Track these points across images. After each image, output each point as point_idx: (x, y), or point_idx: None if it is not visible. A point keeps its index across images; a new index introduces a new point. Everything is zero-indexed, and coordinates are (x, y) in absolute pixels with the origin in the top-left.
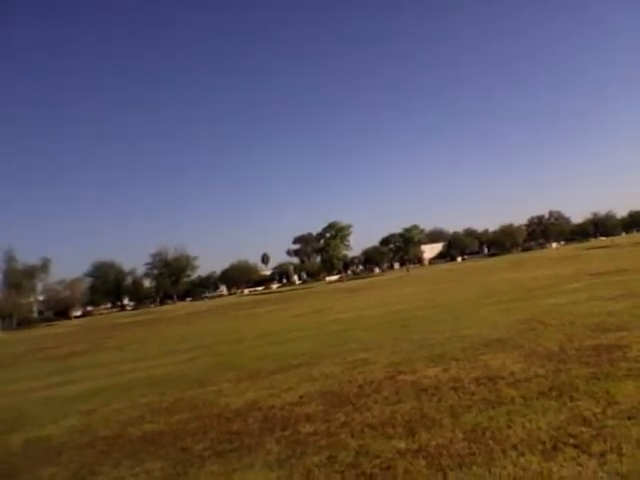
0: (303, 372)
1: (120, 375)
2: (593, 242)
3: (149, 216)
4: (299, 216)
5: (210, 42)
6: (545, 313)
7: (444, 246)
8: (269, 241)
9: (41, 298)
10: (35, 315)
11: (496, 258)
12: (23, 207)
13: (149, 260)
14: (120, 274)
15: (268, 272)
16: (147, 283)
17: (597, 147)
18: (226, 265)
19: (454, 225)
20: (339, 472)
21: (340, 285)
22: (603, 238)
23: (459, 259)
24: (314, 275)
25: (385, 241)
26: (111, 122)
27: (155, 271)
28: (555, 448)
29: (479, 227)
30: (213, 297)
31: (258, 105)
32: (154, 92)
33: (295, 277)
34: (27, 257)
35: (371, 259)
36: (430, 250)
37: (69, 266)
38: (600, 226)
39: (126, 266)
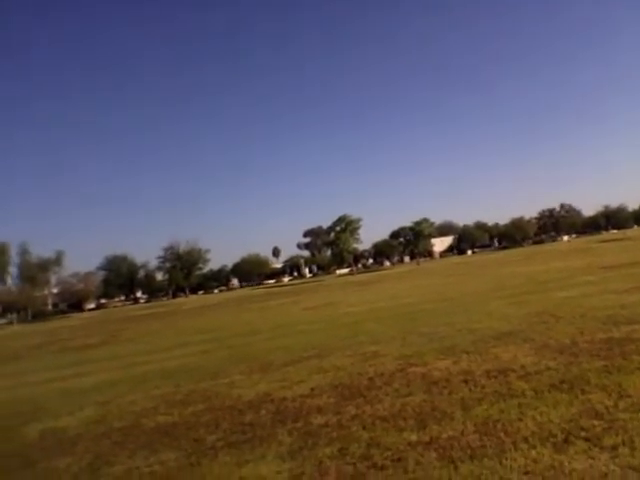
0: (314, 364)
1: (134, 367)
2: (605, 235)
3: (162, 210)
4: (310, 209)
5: (222, 39)
6: (557, 306)
7: (454, 239)
8: (280, 234)
9: (55, 291)
10: (49, 308)
11: (507, 251)
12: (38, 201)
13: (161, 253)
14: (133, 267)
15: (279, 265)
16: (159, 276)
17: (609, 139)
18: (237, 258)
19: (464, 218)
20: (350, 464)
21: (350, 278)
22: (615, 231)
23: (469, 252)
24: (324, 268)
25: (395, 234)
26: (124, 116)
27: (167, 264)
28: (566, 441)
29: (489, 220)
30: (230, 289)
31: (268, 98)
32: (168, 85)
33: (306, 270)
34: (41, 250)
35: (381, 252)
36: (440, 243)
37: (83, 259)
38: (612, 219)
39: (139, 259)
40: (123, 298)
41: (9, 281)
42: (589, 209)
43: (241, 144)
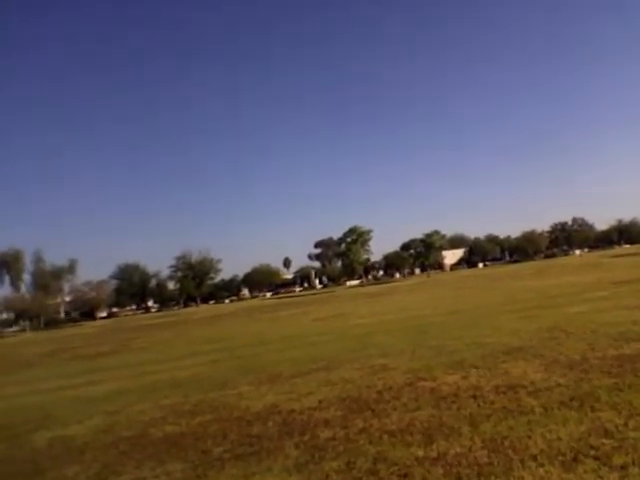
0: (323, 376)
1: (145, 376)
2: (617, 249)
3: (174, 219)
4: (321, 220)
5: (230, 39)
6: (568, 321)
7: (465, 252)
8: (291, 245)
9: (68, 299)
10: (62, 315)
11: (518, 265)
12: (52, 209)
13: (173, 263)
14: (145, 276)
15: (290, 276)
16: (171, 285)
17: (622, 153)
18: (249, 269)
19: (475, 231)
20: (357, 478)
21: (361, 290)
22: (628, 246)
23: (480, 265)
24: (335, 279)
25: (406, 246)
26: (138, 124)
27: (179, 273)
28: (575, 459)
29: (501, 233)
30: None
31: (279, 105)
32: (178, 95)
33: (316, 281)
34: (54, 258)
35: (392, 264)
36: (451, 256)
37: (95, 268)
38: (625, 233)
39: (151, 268)
40: (134, 307)
41: (23, 288)
42: (602, 223)
43: (253, 153)
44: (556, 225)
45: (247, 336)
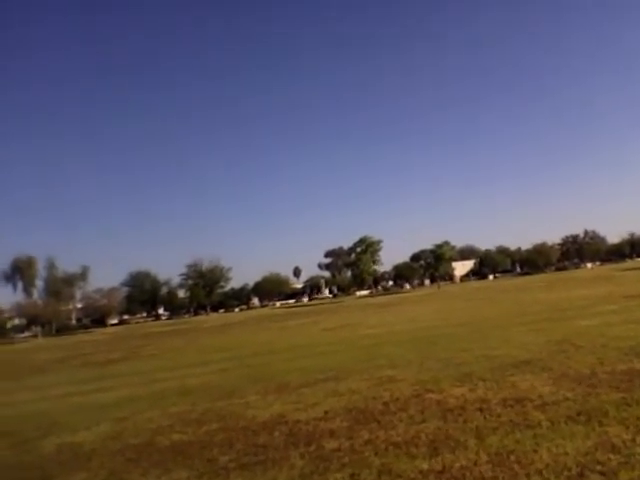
0: (330, 387)
1: (154, 383)
2: (630, 263)
3: (185, 227)
4: (331, 229)
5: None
6: (577, 335)
7: (475, 263)
8: (301, 254)
9: (79, 306)
10: (73, 322)
11: (529, 277)
12: (65, 217)
13: (184, 271)
14: (156, 284)
15: (299, 285)
16: (182, 293)
17: (634, 165)
18: (259, 277)
19: (486, 242)
20: None
21: (370, 300)
22: None
23: (491, 277)
24: (345, 289)
25: (416, 257)
26: (146, 130)
27: (190, 282)
28: (581, 475)
29: (512, 245)
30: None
31: (289, 114)
32: (185, 102)
33: (326, 291)
34: (66, 264)
35: (401, 275)
36: (461, 267)
37: (107, 275)
38: (637, 246)
39: (162, 276)
40: (145, 314)
41: (35, 295)
42: (614, 236)
43: (265, 163)
44: (567, 237)
45: (256, 345)
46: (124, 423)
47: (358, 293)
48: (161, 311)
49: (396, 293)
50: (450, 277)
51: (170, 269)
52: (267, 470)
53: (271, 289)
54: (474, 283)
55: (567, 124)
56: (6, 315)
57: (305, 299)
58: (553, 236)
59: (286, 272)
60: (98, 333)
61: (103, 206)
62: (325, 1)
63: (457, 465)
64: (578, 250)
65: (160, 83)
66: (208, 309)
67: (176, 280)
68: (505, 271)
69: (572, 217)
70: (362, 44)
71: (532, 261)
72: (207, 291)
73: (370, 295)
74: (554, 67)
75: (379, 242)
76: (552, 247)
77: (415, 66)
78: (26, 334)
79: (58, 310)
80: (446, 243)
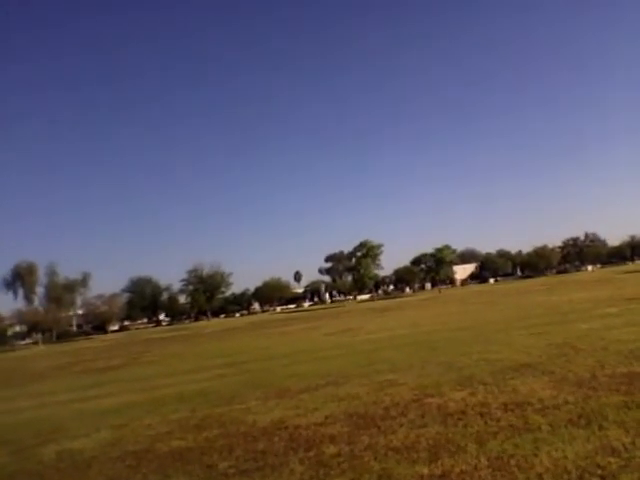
0: (330, 392)
1: (154, 390)
2: (630, 266)
3: (185, 233)
4: (331, 234)
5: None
6: (578, 338)
7: (476, 267)
8: (302, 259)
9: (80, 312)
10: (74, 329)
11: (530, 280)
12: (67, 224)
13: (185, 276)
14: (156, 290)
15: (300, 290)
16: (182, 299)
17: (636, 168)
18: (259, 282)
19: (486, 246)
20: None
21: (371, 304)
22: None
23: (492, 280)
24: (345, 294)
25: (416, 261)
26: (150, 136)
27: (190, 287)
28: (581, 478)
29: (512, 248)
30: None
31: (291, 118)
32: (191, 116)
33: (326, 295)
34: (68, 271)
35: (402, 279)
36: (462, 271)
37: (108, 281)
38: (638, 249)
39: (162, 282)
40: (146, 320)
41: (36, 301)
42: (614, 239)
43: (263, 168)
44: (568, 240)
45: (257, 350)
46: (124, 430)
47: (359, 297)
48: (162, 317)
49: (397, 297)
50: (451, 281)
51: (171, 275)
52: (267, 476)
53: (272, 294)
54: (475, 287)
55: (568, 126)
56: (7, 322)
57: (306, 304)
58: (554, 239)
59: (287, 277)
60: (99, 339)
61: (104, 212)
62: (323, 5)
63: (457, 470)
64: (579, 253)
65: (160, 88)
66: (209, 314)
67: (177, 286)
68: (506, 274)
69: (573, 220)
70: (364, 46)
71: (533, 264)
72: (208, 296)
73: (371, 299)
74: (555, 69)
75: (380, 246)
76: (553, 250)
77: (415, 68)
78: (27, 341)
79: (59, 317)
80: (447, 247)
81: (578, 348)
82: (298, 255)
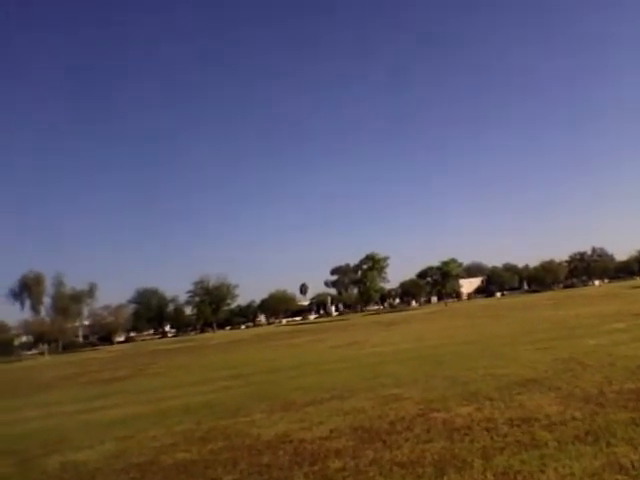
0: (335, 405)
1: (159, 401)
2: (638, 280)
3: (192, 245)
4: (337, 247)
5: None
6: (585, 354)
7: (483, 281)
8: (307, 271)
9: (86, 323)
10: (80, 339)
11: (536, 295)
12: (74, 235)
13: (190, 288)
14: (163, 301)
15: (306, 302)
16: (188, 311)
17: None
18: (265, 295)
19: (493, 259)
20: None
21: (377, 317)
22: None
23: (498, 294)
24: (351, 307)
25: (422, 274)
26: (157, 147)
27: (196, 299)
28: None
29: (519, 262)
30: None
31: (295, 133)
32: (199, 125)
33: (332, 308)
34: (75, 282)
35: (408, 292)
36: (468, 284)
37: (114, 292)
38: None
39: (168, 293)
40: (152, 332)
41: (42, 312)
42: (622, 254)
43: (269, 181)
44: (575, 255)
45: (262, 363)
46: (128, 441)
47: (365, 310)
48: (168, 328)
49: (403, 310)
50: (457, 294)
51: (177, 286)
52: None
53: (277, 306)
54: (481, 300)
55: (576, 140)
56: (13, 332)
57: (312, 316)
58: (561, 253)
59: (293, 289)
60: (105, 350)
61: (111, 222)
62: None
63: None
64: (586, 267)
65: (167, 98)
66: (214, 326)
67: (183, 297)
68: (512, 288)
69: (580, 234)
70: (365, 58)
71: (540, 279)
72: (213, 308)
73: (376, 312)
74: (564, 79)
75: (385, 259)
76: (560, 264)
77: (420, 82)
78: (33, 351)
79: (65, 327)
80: (453, 260)
81: (585, 364)
82: (304, 267)
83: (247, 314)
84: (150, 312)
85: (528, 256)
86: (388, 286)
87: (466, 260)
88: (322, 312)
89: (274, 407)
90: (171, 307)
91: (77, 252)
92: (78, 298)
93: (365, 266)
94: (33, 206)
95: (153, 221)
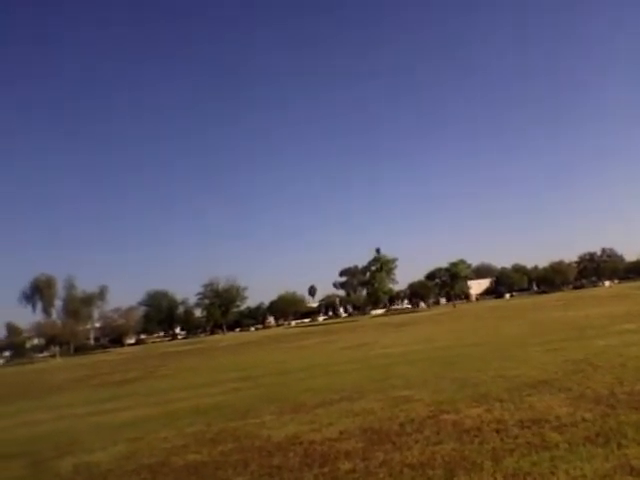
0: (345, 407)
1: (170, 403)
2: None
3: (201, 247)
4: (346, 248)
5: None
6: (595, 354)
7: (492, 282)
8: (316, 273)
9: (97, 325)
10: (91, 342)
11: (546, 296)
12: (86, 239)
13: (200, 290)
14: (173, 303)
15: (315, 304)
16: (198, 313)
17: None
18: (274, 296)
19: (502, 261)
20: None
21: (385, 319)
22: None
23: (507, 296)
24: (360, 308)
25: (431, 275)
26: (161, 150)
27: (206, 301)
28: None
29: (528, 263)
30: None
31: (305, 134)
32: (207, 126)
33: (341, 310)
34: (86, 284)
35: (417, 293)
36: (477, 286)
37: (125, 294)
38: None
39: (178, 295)
40: (162, 334)
41: (54, 314)
42: (631, 254)
43: (279, 182)
44: (585, 256)
45: (272, 364)
46: (139, 443)
47: (373, 312)
48: (178, 330)
49: (411, 312)
50: (466, 296)
51: (186, 288)
52: None
53: (287, 308)
54: (490, 302)
55: (585, 140)
56: (25, 335)
57: (321, 318)
58: (570, 254)
59: (302, 291)
60: (115, 353)
61: (122, 226)
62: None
63: None
64: (596, 268)
65: (168, 98)
66: (224, 328)
67: (193, 299)
68: (522, 290)
69: (589, 235)
70: (366, 58)
71: (549, 279)
72: (223, 310)
73: (385, 314)
74: (571, 82)
75: (394, 260)
76: (569, 265)
77: (422, 82)
78: (45, 354)
79: (76, 330)
80: (462, 261)
81: (595, 365)
82: (313, 269)
83: (256, 316)
84: (160, 314)
85: (537, 257)
86: (397, 287)
87: (475, 261)
88: (331, 314)
89: (284, 409)
90: (181, 309)
91: (88, 255)
92: (89, 301)
93: (374, 267)
94: (43, 210)
95: (163, 223)
